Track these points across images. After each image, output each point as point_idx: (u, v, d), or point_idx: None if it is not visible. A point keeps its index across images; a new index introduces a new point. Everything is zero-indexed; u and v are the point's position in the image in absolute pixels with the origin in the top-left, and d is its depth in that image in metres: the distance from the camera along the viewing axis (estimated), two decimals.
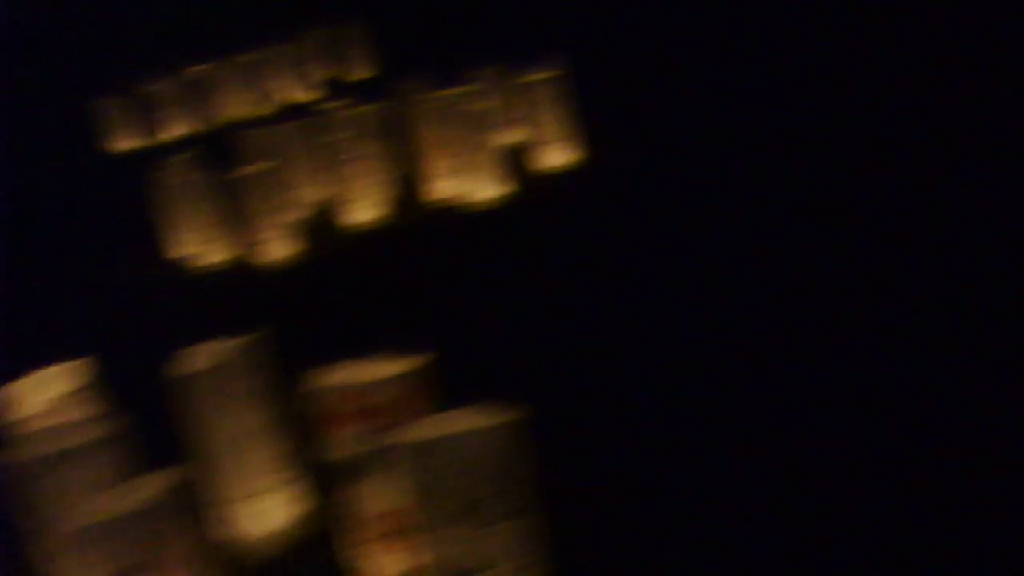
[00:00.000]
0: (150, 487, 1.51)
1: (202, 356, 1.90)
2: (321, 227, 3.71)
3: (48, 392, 2.02)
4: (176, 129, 5.70)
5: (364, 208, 3.68)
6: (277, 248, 3.53)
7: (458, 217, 3.49)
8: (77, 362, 2.10)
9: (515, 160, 3.69)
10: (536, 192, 3.56)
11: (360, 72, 5.90)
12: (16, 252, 4.28)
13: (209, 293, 3.54)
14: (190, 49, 6.11)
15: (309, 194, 3.82)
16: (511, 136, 3.81)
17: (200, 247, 3.70)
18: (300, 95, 5.72)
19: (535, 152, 3.72)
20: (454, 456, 1.43)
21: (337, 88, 5.52)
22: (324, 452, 1.68)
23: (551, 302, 2.67)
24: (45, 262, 4.23)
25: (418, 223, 3.59)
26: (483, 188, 3.50)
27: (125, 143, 5.76)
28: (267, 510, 1.93)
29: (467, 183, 3.53)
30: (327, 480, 1.70)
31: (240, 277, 3.54)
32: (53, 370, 2.10)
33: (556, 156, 3.70)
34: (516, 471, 1.44)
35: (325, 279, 3.34)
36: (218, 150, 4.10)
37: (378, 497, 1.67)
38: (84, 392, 2.02)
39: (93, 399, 2.03)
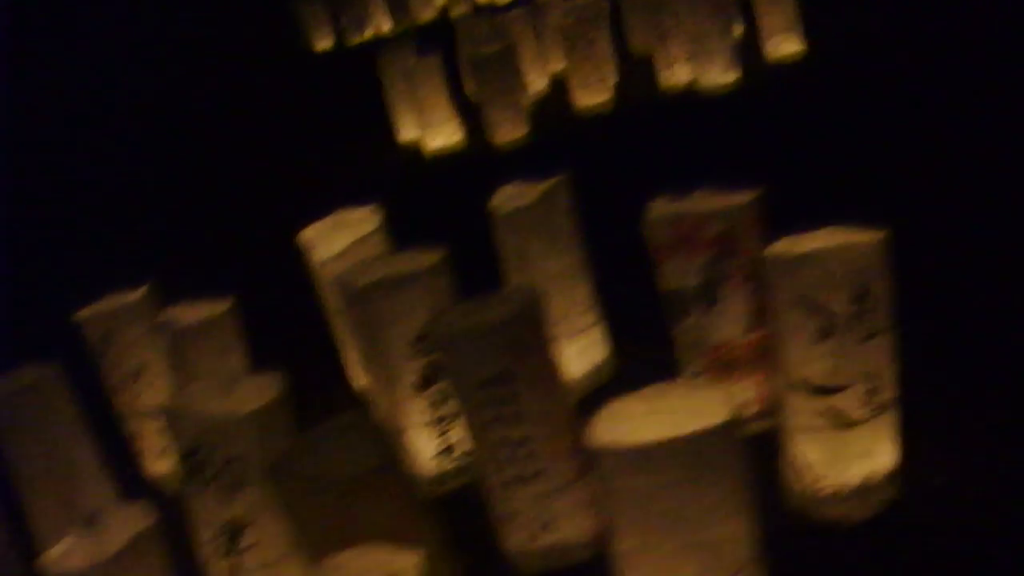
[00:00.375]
0: (508, 301, 1.55)
1: (516, 195, 1.94)
2: (550, 110, 3.73)
3: (345, 234, 2.10)
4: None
5: (591, 93, 3.68)
6: (508, 130, 3.57)
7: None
8: (365, 209, 2.17)
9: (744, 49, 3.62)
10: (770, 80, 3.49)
11: None
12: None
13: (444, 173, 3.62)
14: None
15: (537, 79, 3.83)
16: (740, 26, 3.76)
17: (430, 131, 3.76)
18: None
19: (762, 42, 3.64)
20: (819, 272, 1.42)
21: None
22: (663, 281, 1.69)
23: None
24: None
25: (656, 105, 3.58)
26: (718, 75, 3.44)
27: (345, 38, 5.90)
28: (585, 348, 1.97)
29: (703, 69, 3.48)
30: (668, 308, 1.71)
31: (474, 158, 3.60)
32: (347, 215, 2.18)
33: (782, 47, 3.60)
34: (878, 291, 1.43)
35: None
36: (446, 37, 4.15)
37: (717, 327, 1.68)
38: (377, 235, 2.09)
39: (385, 241, 2.09)
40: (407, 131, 3.97)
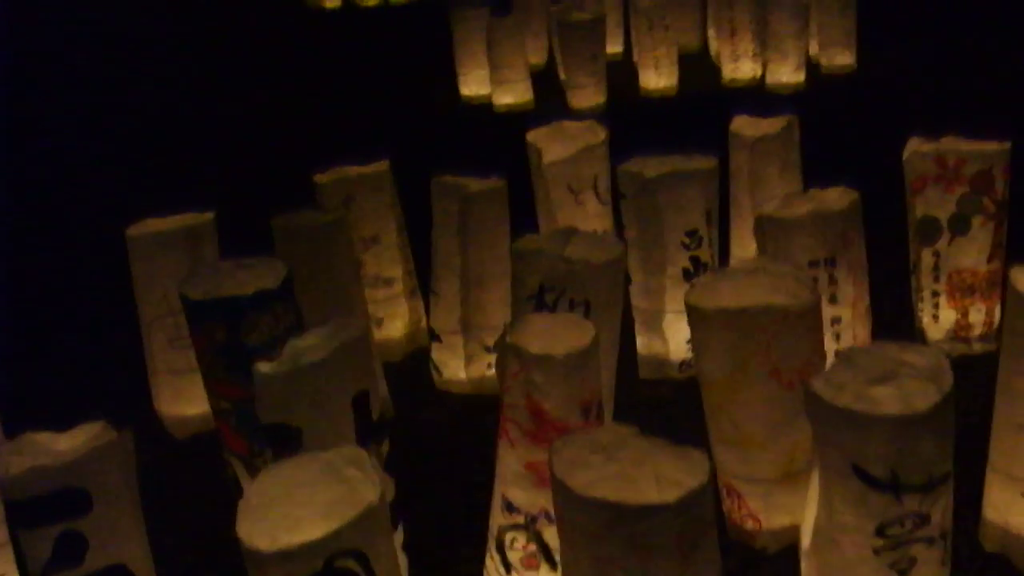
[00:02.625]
0: (831, 198, 1.75)
1: (752, 125, 2.16)
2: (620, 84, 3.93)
3: (568, 142, 2.26)
4: None
5: (657, 76, 3.90)
6: (587, 97, 3.75)
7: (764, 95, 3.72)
8: (587, 122, 2.34)
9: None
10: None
11: None
12: None
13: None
14: None
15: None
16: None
17: (501, 88, 3.91)
18: None
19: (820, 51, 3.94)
20: None
21: None
22: (918, 208, 1.92)
23: None
24: None
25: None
26: (789, 74, 3.72)
27: None
28: None
29: (771, 67, 3.75)
30: (920, 232, 1.93)
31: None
32: (568, 125, 2.34)
33: (836, 59, 3.92)
34: None
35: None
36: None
37: (964, 254, 1.92)
38: (603, 147, 2.25)
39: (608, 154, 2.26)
40: (470, 86, 4.09)
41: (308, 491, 1.12)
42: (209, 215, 1.99)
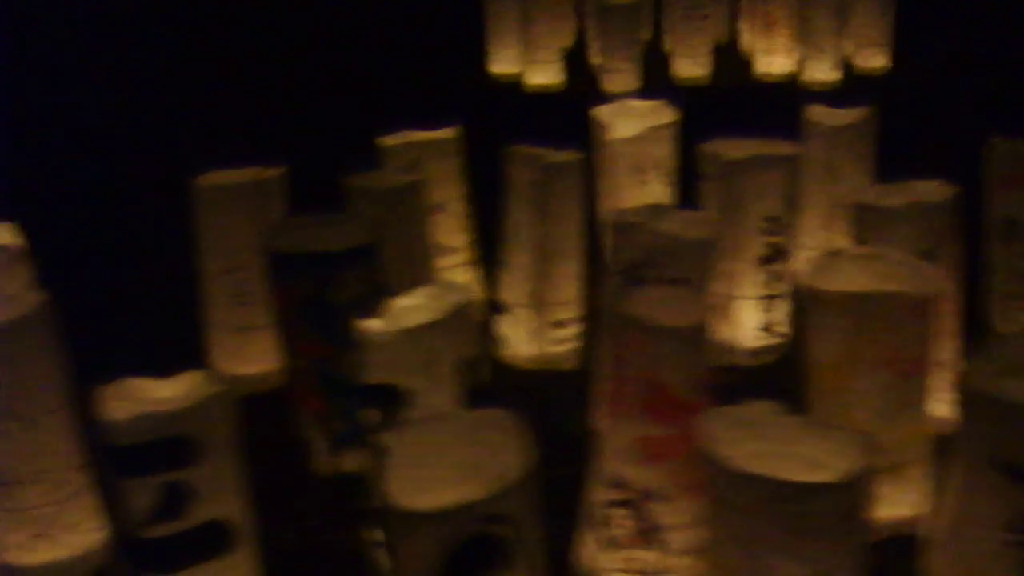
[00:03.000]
0: (929, 191, 1.72)
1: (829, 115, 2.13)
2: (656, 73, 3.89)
3: (635, 120, 2.22)
4: None
5: (692, 65, 3.87)
6: (622, 81, 3.71)
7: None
8: (655, 102, 2.30)
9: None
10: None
11: None
12: None
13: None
14: None
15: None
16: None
17: (533, 67, 3.86)
18: None
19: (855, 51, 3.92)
20: None
21: None
22: (997, 208, 1.90)
23: None
24: None
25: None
26: (826, 71, 3.70)
27: None
28: None
29: (808, 63, 3.73)
30: (997, 233, 1.91)
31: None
32: (635, 103, 2.30)
33: (871, 60, 3.90)
34: None
35: None
36: None
37: None
38: (672, 127, 2.21)
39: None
40: (500, 64, 4.03)
41: (451, 453, 1.08)
42: (279, 169, 1.93)
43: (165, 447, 1.16)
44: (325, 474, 1.63)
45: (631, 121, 2.21)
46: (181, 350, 2.01)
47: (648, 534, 1.33)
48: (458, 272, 2.12)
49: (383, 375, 1.32)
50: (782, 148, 1.92)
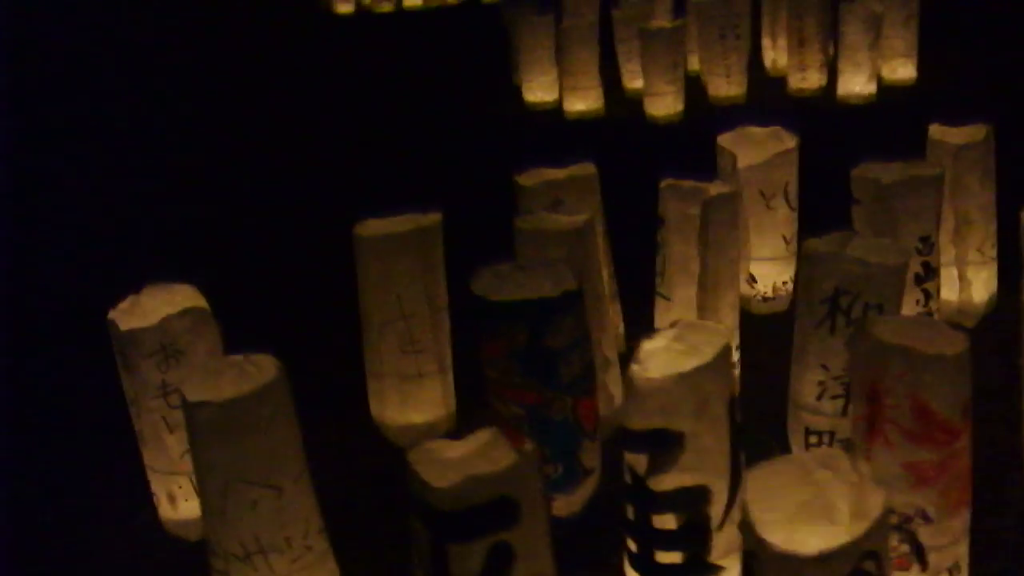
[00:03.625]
0: None
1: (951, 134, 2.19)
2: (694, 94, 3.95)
3: (758, 147, 2.27)
4: None
5: (726, 84, 3.93)
6: (664, 104, 3.75)
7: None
8: (772, 128, 2.34)
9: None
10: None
11: None
12: None
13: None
14: None
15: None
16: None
17: (573, 94, 3.89)
18: None
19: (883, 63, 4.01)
20: None
21: None
22: None
23: None
24: None
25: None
26: (862, 85, 3.78)
27: None
28: (987, 279, 2.21)
29: (844, 78, 3.80)
30: None
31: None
32: (753, 131, 2.34)
33: (898, 71, 4.00)
34: None
35: None
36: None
37: None
38: (794, 153, 2.26)
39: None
40: (535, 92, 4.06)
41: (792, 494, 1.09)
42: (437, 216, 1.93)
43: (493, 509, 1.16)
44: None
45: (754, 148, 2.25)
46: (345, 399, 2.01)
47: (913, 556, 1.36)
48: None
49: (657, 420, 1.33)
50: (926, 169, 1.96)
